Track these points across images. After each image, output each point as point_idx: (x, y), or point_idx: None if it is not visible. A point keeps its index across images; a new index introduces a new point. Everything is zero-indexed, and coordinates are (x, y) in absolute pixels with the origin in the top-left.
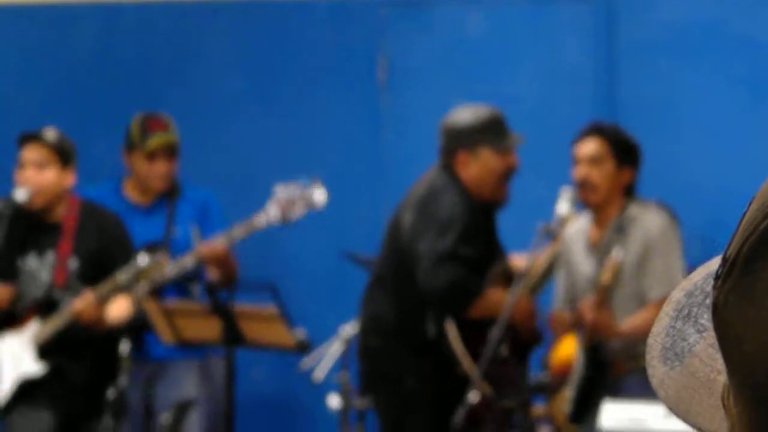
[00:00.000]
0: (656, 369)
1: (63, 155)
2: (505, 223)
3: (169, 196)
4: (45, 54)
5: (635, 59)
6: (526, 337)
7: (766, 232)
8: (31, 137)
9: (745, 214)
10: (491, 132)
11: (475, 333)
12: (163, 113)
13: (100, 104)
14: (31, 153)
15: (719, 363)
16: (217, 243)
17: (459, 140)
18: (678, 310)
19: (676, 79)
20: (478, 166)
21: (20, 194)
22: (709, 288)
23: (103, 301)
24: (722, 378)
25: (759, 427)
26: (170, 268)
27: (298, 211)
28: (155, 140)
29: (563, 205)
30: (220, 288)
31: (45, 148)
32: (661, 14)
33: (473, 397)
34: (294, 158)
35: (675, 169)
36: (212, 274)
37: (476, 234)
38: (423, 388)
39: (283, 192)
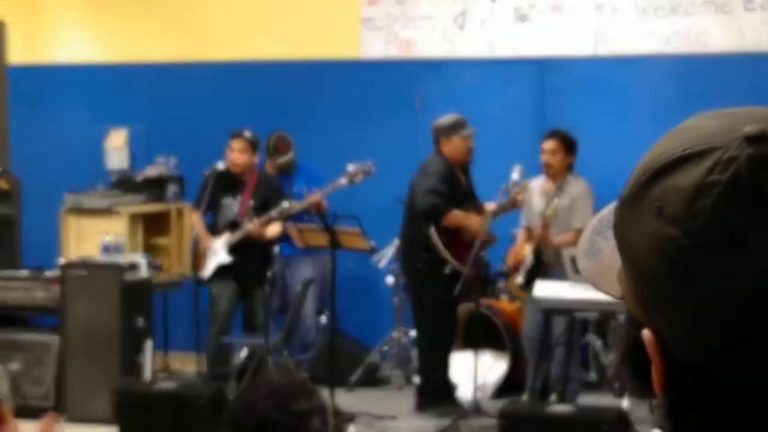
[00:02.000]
0: (581, 262)
1: (254, 146)
2: (484, 184)
3: (291, 169)
4: (228, 92)
5: (557, 96)
6: (486, 240)
7: (644, 183)
8: (238, 134)
9: (631, 174)
10: (458, 127)
11: (451, 235)
12: (287, 137)
13: (256, 122)
14: (237, 144)
15: (617, 257)
16: (315, 196)
17: (440, 132)
18: (594, 228)
19: (578, 109)
20: (451, 146)
21: (220, 165)
22: (611, 216)
23: (264, 225)
24: (618, 266)
25: (636, 291)
26: (297, 204)
27: (359, 177)
28: (279, 161)
29: (514, 175)
30: (323, 217)
31: (245, 142)
32: (572, 72)
33: (447, 271)
34: (368, 153)
35: (578, 160)
36: (313, 211)
37: (449, 180)
38: (426, 268)
39: (351, 167)
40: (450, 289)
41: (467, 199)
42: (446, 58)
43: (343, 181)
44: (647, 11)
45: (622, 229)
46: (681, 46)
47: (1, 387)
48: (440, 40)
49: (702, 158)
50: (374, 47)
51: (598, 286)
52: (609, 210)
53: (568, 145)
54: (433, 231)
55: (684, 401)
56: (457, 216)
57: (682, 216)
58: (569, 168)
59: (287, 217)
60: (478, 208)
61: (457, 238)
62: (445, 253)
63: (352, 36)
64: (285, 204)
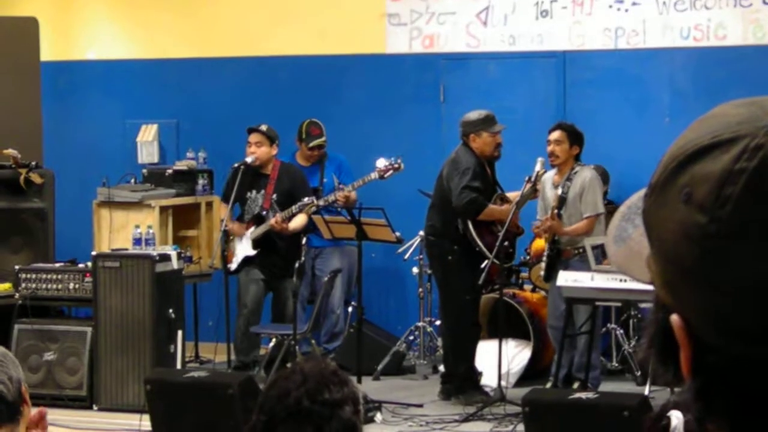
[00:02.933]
0: (610, 247)
1: (271, 138)
2: (510, 175)
3: (320, 159)
4: (256, 87)
5: (577, 89)
6: (515, 231)
7: (672, 171)
8: (254, 129)
9: (660, 161)
10: (488, 124)
11: (484, 228)
12: (319, 122)
13: (284, 116)
14: (254, 137)
15: (645, 243)
16: (346, 190)
17: (469, 127)
18: (623, 215)
19: (599, 101)
20: (480, 142)
21: (249, 159)
22: (640, 203)
23: (287, 219)
24: (646, 251)
25: (665, 276)
26: (322, 201)
27: (389, 173)
28: (313, 143)
29: (537, 166)
30: (350, 209)
31: (261, 135)
32: (591, 64)
33: (485, 265)
34: (394, 144)
35: (598, 150)
36: (342, 204)
37: (481, 176)
38: (458, 260)
39: (381, 162)
40: (477, 282)
41: (494, 192)
42: (469, 53)
43: (373, 176)
44: (667, 5)
45: (650, 215)
46: (700, 40)
47: (18, 371)
48: (464, 35)
49: (729, 146)
50: (399, 42)
51: (627, 272)
52: (638, 197)
53: (574, 137)
54: (470, 226)
55: (712, 385)
56: (493, 210)
57: (709, 203)
58: (576, 159)
59: (317, 210)
60: (504, 200)
61: (489, 231)
62: (483, 248)
63: (377, 31)
64: (305, 199)
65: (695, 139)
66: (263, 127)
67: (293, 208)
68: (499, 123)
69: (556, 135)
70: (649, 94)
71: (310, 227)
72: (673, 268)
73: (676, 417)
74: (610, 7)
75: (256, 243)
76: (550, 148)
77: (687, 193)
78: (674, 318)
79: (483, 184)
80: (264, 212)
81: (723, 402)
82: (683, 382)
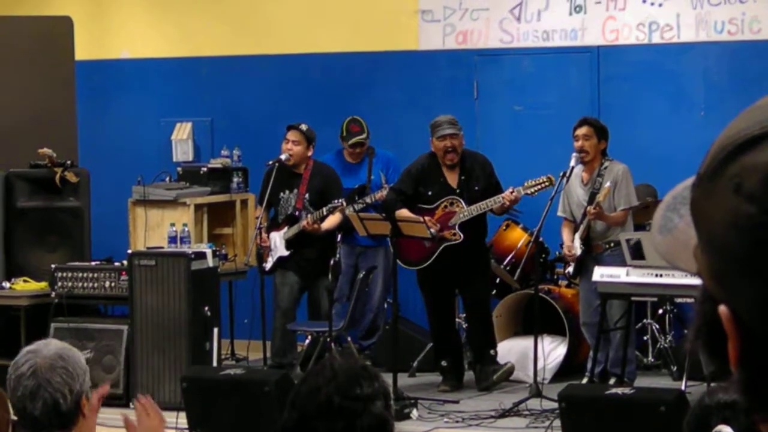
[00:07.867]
0: (655, 237)
1: (308, 139)
2: (545, 171)
3: (368, 156)
4: (290, 84)
5: (611, 84)
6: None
7: (721, 161)
8: (293, 126)
9: (708, 151)
10: (433, 129)
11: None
12: (360, 119)
13: (318, 113)
14: (292, 135)
15: (692, 233)
16: (382, 193)
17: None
18: (668, 205)
19: (633, 95)
20: (432, 146)
21: (283, 157)
22: (686, 193)
23: (317, 221)
24: (693, 242)
25: (713, 267)
26: (368, 198)
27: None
28: (353, 140)
29: (572, 162)
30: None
31: (300, 134)
32: (625, 59)
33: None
34: (427, 141)
35: (633, 145)
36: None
37: (419, 179)
38: None
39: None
40: (420, 274)
41: (442, 197)
42: (503, 49)
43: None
44: None
45: (699, 206)
46: (734, 34)
47: (83, 383)
48: (497, 31)
49: None
50: (432, 39)
51: (672, 262)
52: (683, 187)
53: (600, 131)
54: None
55: (762, 377)
56: (401, 214)
57: (760, 193)
58: (603, 153)
59: (364, 208)
60: (455, 205)
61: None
62: (391, 247)
63: (411, 28)
64: (335, 202)
65: (744, 129)
66: (303, 127)
67: (323, 210)
68: (446, 128)
69: (584, 131)
70: (684, 89)
71: (340, 224)
72: (722, 258)
73: None
74: (644, 1)
75: (289, 243)
76: (578, 144)
77: (737, 183)
78: (722, 309)
79: (416, 188)
80: (297, 212)
81: None
82: (730, 374)
